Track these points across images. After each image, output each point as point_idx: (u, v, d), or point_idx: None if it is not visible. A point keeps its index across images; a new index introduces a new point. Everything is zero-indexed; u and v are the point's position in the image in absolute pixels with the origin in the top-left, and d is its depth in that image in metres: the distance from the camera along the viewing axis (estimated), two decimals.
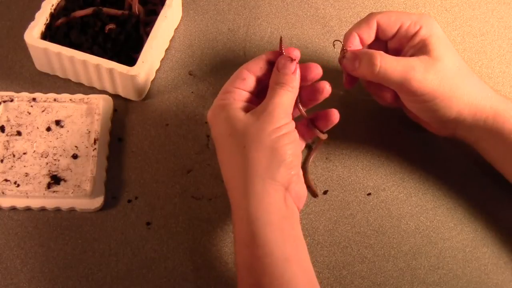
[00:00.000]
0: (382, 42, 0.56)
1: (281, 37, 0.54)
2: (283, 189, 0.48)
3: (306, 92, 0.54)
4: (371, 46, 0.56)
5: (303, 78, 0.52)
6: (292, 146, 0.49)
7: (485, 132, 0.54)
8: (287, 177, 0.48)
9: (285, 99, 0.50)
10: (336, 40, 0.56)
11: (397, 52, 0.55)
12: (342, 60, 0.54)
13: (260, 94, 0.52)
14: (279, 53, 0.53)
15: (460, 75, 0.53)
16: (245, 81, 0.52)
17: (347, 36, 0.55)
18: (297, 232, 0.48)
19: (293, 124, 0.50)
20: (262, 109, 0.49)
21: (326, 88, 0.53)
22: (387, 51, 0.55)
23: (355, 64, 0.53)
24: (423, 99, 0.53)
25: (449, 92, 0.52)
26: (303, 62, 0.53)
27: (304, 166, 0.58)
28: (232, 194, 0.49)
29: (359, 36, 0.54)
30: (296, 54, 0.53)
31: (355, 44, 0.54)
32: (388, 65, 0.51)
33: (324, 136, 0.55)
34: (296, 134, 0.50)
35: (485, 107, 0.53)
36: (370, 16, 0.54)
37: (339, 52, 0.55)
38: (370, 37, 0.54)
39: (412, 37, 0.53)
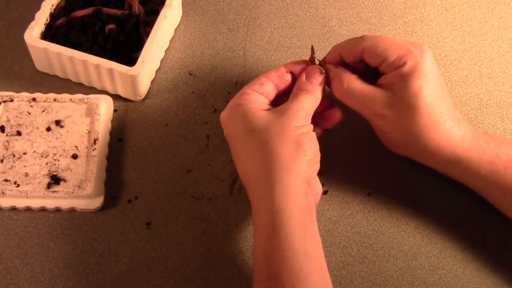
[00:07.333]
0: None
1: (312, 46, 0.56)
2: (306, 183, 0.49)
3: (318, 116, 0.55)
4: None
5: (325, 119, 0.56)
6: (313, 144, 0.50)
7: (446, 171, 0.55)
8: (309, 172, 0.50)
9: (307, 104, 0.52)
10: (313, 55, 0.56)
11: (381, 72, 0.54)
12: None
13: (276, 101, 0.54)
14: (304, 62, 0.55)
15: (422, 122, 0.51)
16: (263, 86, 0.53)
17: (330, 51, 0.55)
18: (315, 228, 0.49)
19: (311, 127, 0.52)
20: (285, 109, 0.51)
21: (337, 115, 0.56)
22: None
23: (328, 77, 0.54)
24: (379, 130, 0.55)
25: (405, 133, 0.52)
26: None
27: None
28: (254, 187, 0.50)
29: (342, 55, 0.54)
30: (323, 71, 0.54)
31: (334, 61, 0.55)
32: (352, 93, 0.53)
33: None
34: (315, 135, 0.51)
35: (445, 154, 0.52)
36: (359, 43, 0.53)
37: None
38: (351, 60, 0.54)
39: (394, 69, 0.52)
